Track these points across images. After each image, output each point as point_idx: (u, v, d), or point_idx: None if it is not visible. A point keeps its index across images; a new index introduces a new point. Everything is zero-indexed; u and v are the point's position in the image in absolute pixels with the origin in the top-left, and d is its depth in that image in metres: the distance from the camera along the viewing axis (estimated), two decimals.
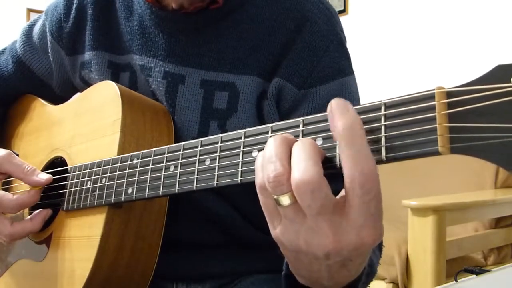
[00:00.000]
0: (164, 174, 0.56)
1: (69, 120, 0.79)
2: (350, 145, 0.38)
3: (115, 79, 0.79)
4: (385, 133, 0.39)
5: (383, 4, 3.10)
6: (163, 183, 0.56)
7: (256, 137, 0.47)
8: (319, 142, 0.42)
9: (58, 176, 0.73)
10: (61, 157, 0.78)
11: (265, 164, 0.40)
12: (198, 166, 0.52)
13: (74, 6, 0.84)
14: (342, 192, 0.45)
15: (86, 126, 0.75)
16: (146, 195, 0.58)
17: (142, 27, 0.78)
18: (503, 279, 0.73)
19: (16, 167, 0.70)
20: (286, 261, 0.51)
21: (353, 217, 0.39)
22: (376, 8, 3.14)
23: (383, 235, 0.41)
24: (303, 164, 0.39)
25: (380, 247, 0.69)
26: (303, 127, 0.44)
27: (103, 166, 0.65)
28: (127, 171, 0.61)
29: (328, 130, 0.42)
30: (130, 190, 0.60)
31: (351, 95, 0.74)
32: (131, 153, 0.62)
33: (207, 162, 0.51)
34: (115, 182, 0.63)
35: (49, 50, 0.87)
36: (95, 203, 0.65)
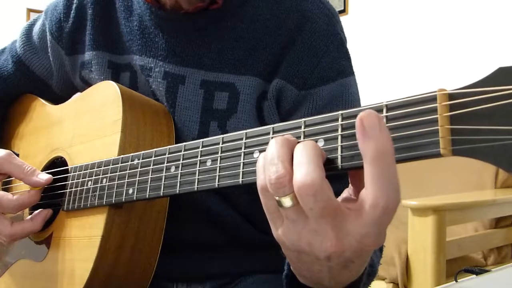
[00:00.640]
0: (165, 175, 0.56)
1: (69, 120, 0.79)
2: (380, 173, 0.37)
3: (116, 79, 0.79)
4: None
5: (383, 4, 3.10)
6: (164, 183, 0.56)
7: (258, 138, 0.47)
8: (321, 143, 0.42)
9: (59, 176, 0.73)
10: (61, 157, 0.78)
11: (267, 166, 0.40)
12: (199, 167, 0.52)
13: (74, 6, 0.84)
14: (344, 193, 0.45)
15: (86, 126, 0.75)
16: (147, 196, 0.58)
17: (142, 27, 0.78)
18: (503, 279, 0.73)
19: (16, 168, 0.70)
20: (287, 261, 0.51)
21: (359, 226, 0.39)
22: (376, 8, 3.14)
23: None
24: (305, 167, 0.39)
25: (380, 247, 0.69)
26: (304, 129, 0.44)
27: (104, 166, 0.65)
28: (128, 171, 0.61)
29: (330, 132, 0.42)
30: (131, 191, 0.60)
31: (352, 96, 0.74)
32: (132, 154, 0.62)
33: (208, 163, 0.51)
34: (116, 182, 0.63)
35: (49, 50, 0.87)
36: (96, 203, 0.65)
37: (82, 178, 0.68)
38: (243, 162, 0.47)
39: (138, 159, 0.60)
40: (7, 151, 0.72)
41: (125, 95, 0.70)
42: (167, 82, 0.75)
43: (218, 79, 0.74)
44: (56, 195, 0.73)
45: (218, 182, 0.49)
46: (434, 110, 0.36)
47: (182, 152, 0.54)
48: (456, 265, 1.83)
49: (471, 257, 2.05)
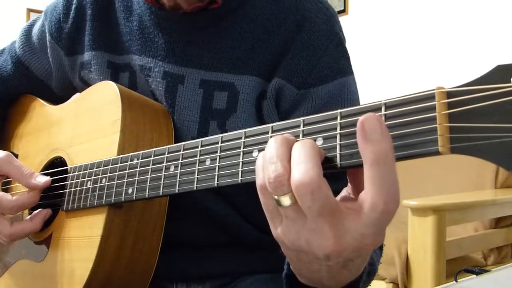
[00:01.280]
0: (164, 174, 0.56)
1: (68, 120, 0.79)
2: (380, 176, 0.37)
3: (115, 79, 0.79)
4: None
5: (383, 4, 3.10)
6: (163, 183, 0.56)
7: (257, 137, 0.47)
8: (319, 142, 0.42)
9: (58, 176, 0.73)
10: (60, 157, 0.78)
11: (266, 165, 0.40)
12: (198, 166, 0.52)
13: (74, 6, 0.84)
14: (343, 192, 0.45)
15: (85, 126, 0.75)
16: (147, 195, 0.58)
17: (141, 27, 0.78)
18: (503, 279, 0.73)
19: (14, 169, 0.70)
20: (287, 261, 0.51)
21: (358, 226, 0.39)
22: (376, 8, 3.14)
23: None
24: (303, 165, 0.39)
25: (380, 246, 0.69)
26: (303, 127, 0.44)
27: (103, 166, 0.65)
28: (127, 171, 0.61)
29: (328, 130, 0.42)
30: (130, 190, 0.60)
31: (351, 95, 0.74)
32: (131, 153, 0.62)
33: (208, 162, 0.51)
34: (115, 182, 0.63)
35: (48, 51, 0.87)
36: (95, 203, 0.65)
37: (82, 178, 0.68)
38: (242, 161, 0.47)
39: (138, 159, 0.61)
40: (7, 152, 0.73)
41: (124, 95, 0.70)
42: (167, 82, 0.75)
43: (218, 79, 0.74)
44: (56, 195, 0.73)
45: (217, 181, 0.49)
46: (432, 108, 0.36)
47: (181, 152, 0.54)
48: (456, 265, 1.83)
49: (471, 257, 2.05)
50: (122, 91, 0.71)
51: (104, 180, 0.64)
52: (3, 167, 0.71)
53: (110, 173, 0.64)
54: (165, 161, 0.56)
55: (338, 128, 0.41)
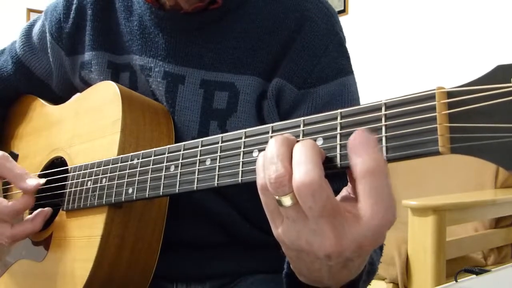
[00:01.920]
0: (164, 174, 0.56)
1: (69, 120, 0.80)
2: (373, 191, 0.37)
3: (115, 79, 0.79)
4: (385, 133, 0.39)
5: (383, 4, 3.10)
6: (163, 183, 0.56)
7: (257, 137, 0.47)
8: (320, 142, 0.42)
9: (58, 176, 0.73)
10: (61, 157, 0.78)
11: (267, 165, 0.41)
12: (198, 166, 0.52)
13: (74, 6, 0.84)
14: (343, 192, 0.45)
15: (86, 126, 0.75)
16: (147, 195, 0.58)
17: (142, 27, 0.78)
18: (503, 279, 0.73)
19: (7, 171, 0.69)
20: (287, 260, 0.51)
21: (357, 230, 0.39)
22: (376, 8, 3.14)
23: None
24: (304, 166, 0.39)
25: (381, 246, 0.69)
26: (303, 127, 0.44)
27: (103, 166, 0.65)
28: (127, 171, 0.61)
29: (329, 130, 0.42)
30: (130, 190, 0.60)
31: (351, 95, 0.74)
32: (132, 153, 0.62)
33: (208, 162, 0.51)
34: (116, 182, 0.63)
35: (49, 51, 0.87)
36: (95, 203, 0.65)
37: (82, 178, 0.68)
38: (242, 161, 0.47)
39: (138, 159, 0.61)
40: (2, 152, 0.72)
41: (124, 95, 0.70)
42: (167, 82, 0.75)
43: (218, 79, 0.74)
44: (56, 195, 0.73)
45: (218, 181, 0.49)
46: (432, 108, 0.36)
47: (182, 152, 0.54)
48: (456, 265, 1.83)
49: (471, 257, 2.05)
50: (122, 91, 0.71)
51: (104, 180, 0.64)
52: None
53: (110, 173, 0.64)
54: (165, 161, 0.56)
55: (338, 128, 0.42)
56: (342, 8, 3.29)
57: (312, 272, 0.45)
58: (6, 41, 0.99)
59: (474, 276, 0.74)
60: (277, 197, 0.40)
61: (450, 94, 0.36)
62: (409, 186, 2.43)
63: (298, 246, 0.42)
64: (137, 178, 0.60)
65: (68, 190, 0.71)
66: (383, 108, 0.39)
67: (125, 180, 0.61)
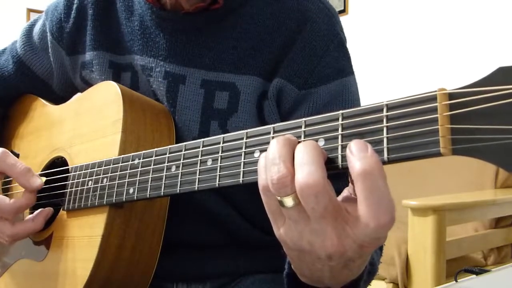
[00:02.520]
0: (165, 174, 0.56)
1: (69, 120, 0.80)
2: (369, 193, 0.38)
3: (117, 79, 0.80)
4: (387, 134, 0.39)
5: (383, 4, 3.10)
6: (164, 183, 0.56)
7: (258, 138, 0.47)
8: (321, 143, 0.42)
9: (59, 176, 0.73)
10: (61, 157, 0.78)
11: (269, 166, 0.41)
12: (200, 167, 0.52)
13: (75, 6, 0.84)
14: (344, 192, 0.45)
15: (87, 126, 0.75)
16: (148, 195, 0.58)
17: (143, 27, 0.78)
18: (503, 279, 0.73)
19: (9, 167, 0.69)
20: (288, 260, 0.51)
21: (358, 231, 0.39)
22: (376, 8, 3.14)
23: None
24: (307, 167, 0.39)
25: (381, 246, 0.69)
26: (305, 128, 0.44)
27: (104, 166, 0.65)
28: (128, 171, 0.61)
29: (330, 131, 0.42)
30: (131, 190, 0.60)
31: (351, 95, 0.74)
32: (133, 153, 0.62)
33: (209, 163, 0.51)
34: (117, 182, 0.63)
35: (50, 50, 0.87)
36: (96, 203, 0.65)
37: (83, 178, 0.68)
38: (244, 162, 0.47)
39: (139, 159, 0.61)
40: (2, 149, 0.71)
41: (125, 95, 0.70)
42: (168, 82, 0.75)
43: (219, 79, 0.74)
44: (57, 195, 0.73)
45: (219, 181, 0.50)
46: (434, 110, 0.36)
47: (183, 152, 0.54)
48: (456, 265, 1.83)
49: (471, 257, 2.05)
50: (123, 91, 0.71)
51: (105, 180, 0.64)
52: None
53: (111, 173, 0.64)
54: (166, 161, 0.56)
55: (340, 129, 0.42)
56: (342, 8, 3.29)
57: (314, 272, 0.45)
58: (6, 41, 0.99)
59: (474, 276, 0.74)
60: (279, 198, 0.40)
61: (451, 96, 0.36)
62: (409, 186, 2.43)
63: (299, 246, 0.42)
64: (138, 178, 0.60)
65: (68, 190, 0.71)
66: (384, 109, 0.39)
67: (126, 180, 0.61)
